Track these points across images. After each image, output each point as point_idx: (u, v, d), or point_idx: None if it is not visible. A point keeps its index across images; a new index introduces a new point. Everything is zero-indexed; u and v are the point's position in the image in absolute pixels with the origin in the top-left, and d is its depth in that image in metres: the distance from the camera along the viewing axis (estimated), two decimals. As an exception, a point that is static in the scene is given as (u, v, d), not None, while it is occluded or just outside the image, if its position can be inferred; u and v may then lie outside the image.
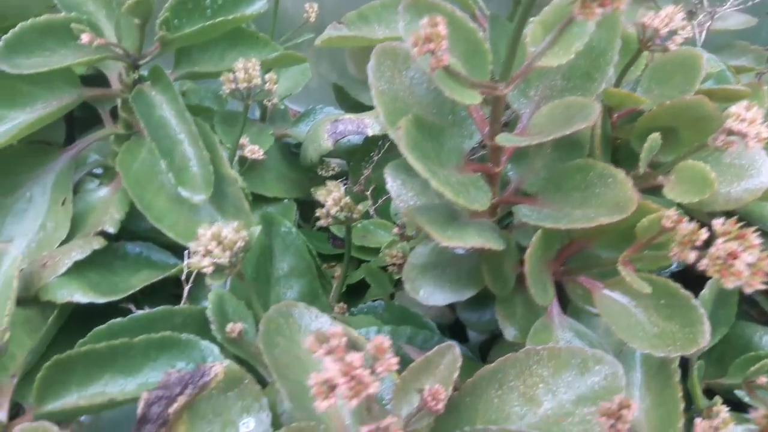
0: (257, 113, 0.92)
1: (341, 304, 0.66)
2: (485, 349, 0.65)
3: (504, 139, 0.45)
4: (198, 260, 0.47)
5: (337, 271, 0.77)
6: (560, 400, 0.48)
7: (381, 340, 0.32)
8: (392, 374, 0.49)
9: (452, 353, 0.48)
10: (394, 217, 0.77)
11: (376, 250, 0.77)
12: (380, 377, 0.32)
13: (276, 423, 0.52)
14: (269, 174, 0.84)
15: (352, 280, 0.76)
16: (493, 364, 0.48)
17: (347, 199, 0.58)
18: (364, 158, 0.83)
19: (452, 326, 0.69)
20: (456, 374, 0.47)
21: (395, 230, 0.73)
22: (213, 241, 0.47)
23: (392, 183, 0.54)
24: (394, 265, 0.65)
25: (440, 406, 0.43)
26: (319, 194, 0.59)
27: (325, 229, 0.87)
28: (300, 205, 0.85)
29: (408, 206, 0.53)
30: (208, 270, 0.47)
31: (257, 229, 0.50)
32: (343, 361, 0.32)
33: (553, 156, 0.53)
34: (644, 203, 0.44)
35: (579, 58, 0.50)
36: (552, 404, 0.48)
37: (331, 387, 0.32)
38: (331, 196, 0.58)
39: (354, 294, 0.77)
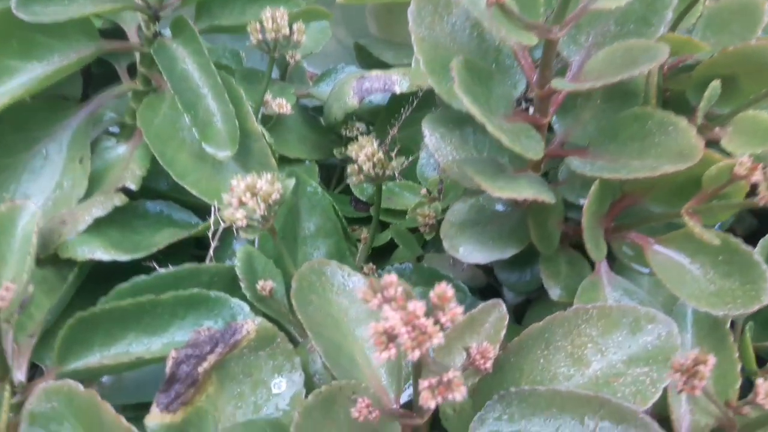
0: (276, 73, 0.89)
1: (370, 264, 0.64)
2: (520, 312, 0.63)
3: (560, 84, 0.42)
4: (231, 212, 0.45)
5: (362, 233, 0.74)
6: (610, 361, 0.46)
7: (444, 288, 0.30)
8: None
9: (498, 311, 0.45)
10: (421, 179, 0.74)
11: (401, 213, 0.74)
12: (444, 328, 0.29)
13: (309, 384, 0.50)
14: (290, 135, 0.81)
15: (377, 243, 0.73)
16: (540, 323, 0.46)
17: (380, 154, 0.56)
18: (390, 119, 0.80)
19: (483, 289, 0.66)
20: (503, 332, 0.45)
21: (423, 191, 0.71)
22: (247, 192, 0.44)
23: (430, 136, 0.51)
24: (426, 225, 0.62)
25: (489, 364, 0.41)
26: (351, 149, 0.57)
27: (347, 192, 0.84)
28: (319, 168, 0.83)
29: (447, 161, 0.51)
30: (242, 223, 0.45)
31: (292, 182, 0.47)
32: (404, 310, 0.29)
33: (603, 107, 0.50)
34: (708, 152, 0.41)
35: (634, 2, 0.47)
36: (601, 365, 0.46)
37: (391, 337, 0.29)
38: (363, 152, 0.55)
39: (379, 257, 0.74)
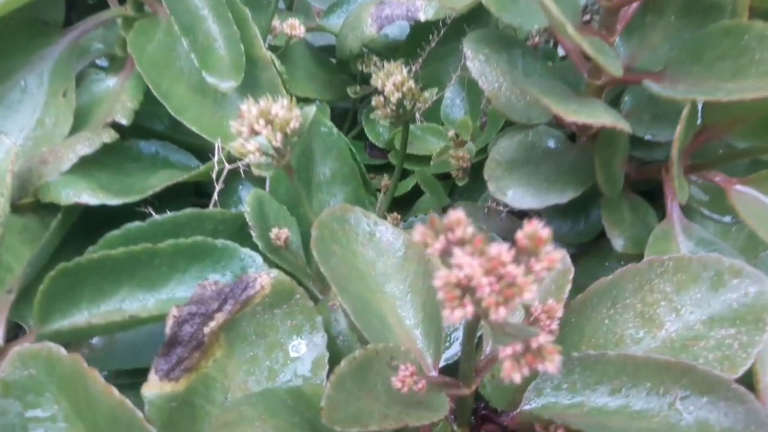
0: (281, 5, 0.80)
1: (395, 214, 0.57)
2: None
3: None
4: (241, 144, 0.37)
5: (382, 181, 0.67)
6: (687, 321, 0.39)
7: (536, 226, 0.23)
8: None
9: (563, 263, 0.38)
10: (446, 121, 0.67)
11: (423, 159, 0.67)
12: (539, 278, 0.22)
13: (332, 346, 0.43)
14: (298, 71, 0.73)
15: (398, 192, 0.66)
16: (608, 277, 0.39)
17: (411, 83, 0.48)
18: (410, 54, 0.72)
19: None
20: (568, 288, 0.38)
21: (450, 133, 0.63)
22: (261, 119, 0.36)
23: (473, 59, 0.43)
24: (460, 169, 0.55)
25: (555, 325, 0.34)
26: (375, 78, 0.49)
27: (361, 138, 0.76)
28: (330, 112, 0.75)
29: (493, 88, 0.43)
30: (254, 157, 0.37)
31: (312, 110, 0.40)
32: (484, 256, 0.22)
33: (678, 25, 0.42)
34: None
35: None
36: (676, 326, 0.39)
37: (466, 291, 0.22)
38: (391, 80, 0.48)
39: (399, 208, 0.67)
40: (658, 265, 0.39)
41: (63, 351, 0.35)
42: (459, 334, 0.45)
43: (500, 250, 0.22)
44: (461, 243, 0.23)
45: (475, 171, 0.60)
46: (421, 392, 0.32)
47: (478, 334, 0.39)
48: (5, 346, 0.44)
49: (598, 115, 0.34)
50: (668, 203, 0.42)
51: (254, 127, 0.36)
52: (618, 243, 0.43)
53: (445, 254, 0.24)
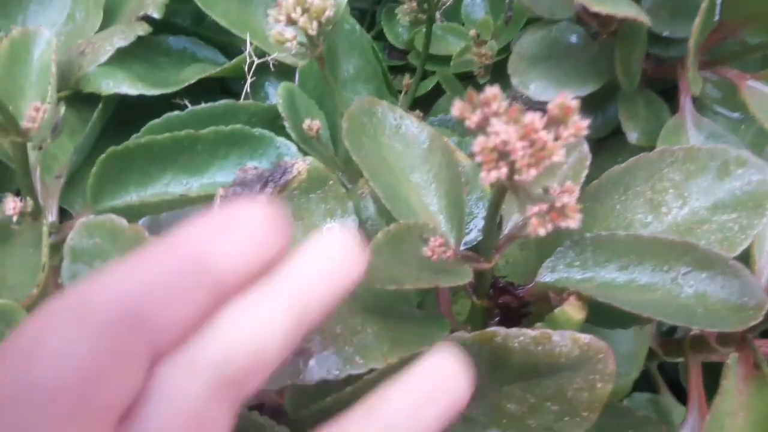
0: None
1: (417, 111, 0.59)
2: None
3: None
4: (280, 32, 0.39)
5: (404, 80, 0.68)
6: (692, 207, 0.42)
7: (565, 97, 0.25)
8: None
9: (580, 150, 0.41)
10: (467, 21, 0.68)
11: (443, 59, 0.69)
12: (567, 143, 0.25)
13: (362, 230, 0.47)
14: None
15: (419, 92, 0.68)
16: (622, 165, 0.42)
17: (437, -22, 0.49)
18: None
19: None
20: (584, 173, 0.41)
21: (471, 33, 0.64)
22: (297, 7, 0.38)
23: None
24: (482, 67, 0.57)
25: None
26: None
27: (380, 39, 0.77)
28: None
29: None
30: (292, 45, 0.39)
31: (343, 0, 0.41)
32: (518, 123, 0.25)
33: None
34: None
35: None
36: (683, 212, 0.42)
37: (502, 155, 0.25)
38: (417, -25, 0.49)
39: (420, 108, 0.69)
40: (669, 155, 0.41)
41: (125, 222, 0.39)
42: (477, 222, 0.49)
43: (533, 118, 0.25)
44: (497, 115, 0.26)
45: (496, 71, 0.62)
46: (449, 261, 0.36)
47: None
48: (60, 225, 0.48)
49: (620, 7, 0.35)
50: (681, 98, 0.44)
51: (291, 16, 0.38)
52: (632, 136, 0.46)
53: (482, 126, 0.26)
